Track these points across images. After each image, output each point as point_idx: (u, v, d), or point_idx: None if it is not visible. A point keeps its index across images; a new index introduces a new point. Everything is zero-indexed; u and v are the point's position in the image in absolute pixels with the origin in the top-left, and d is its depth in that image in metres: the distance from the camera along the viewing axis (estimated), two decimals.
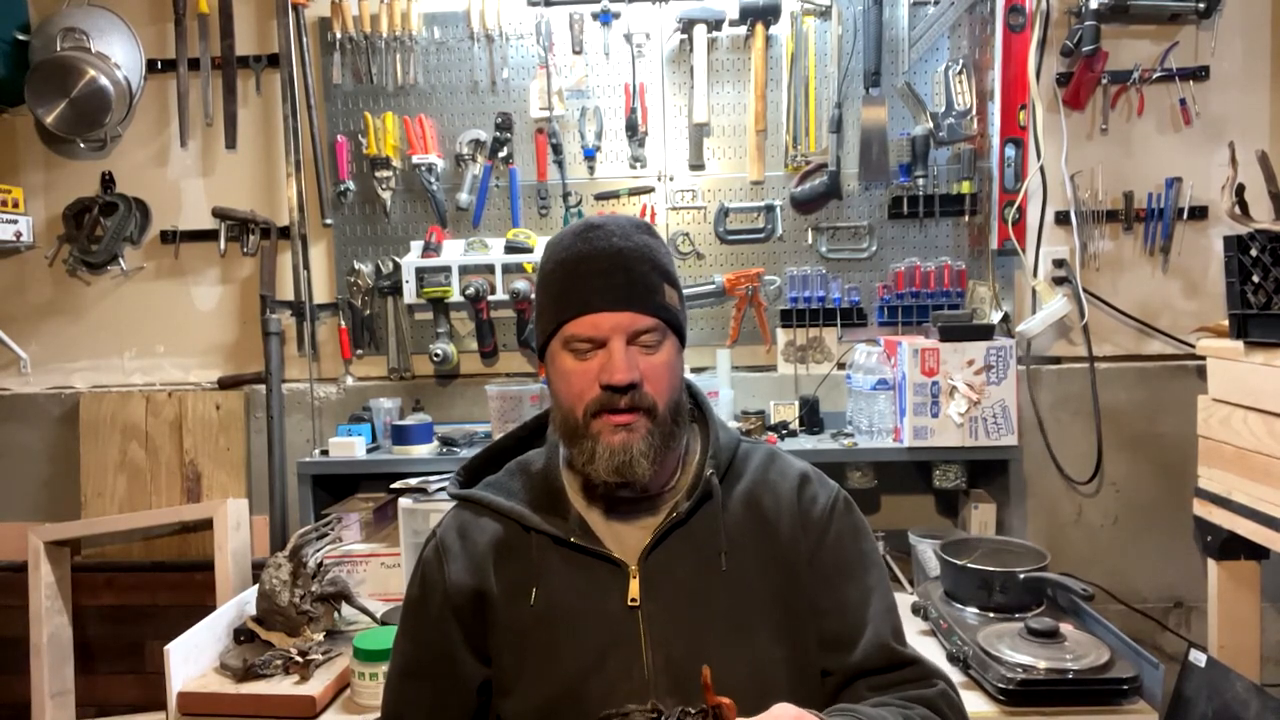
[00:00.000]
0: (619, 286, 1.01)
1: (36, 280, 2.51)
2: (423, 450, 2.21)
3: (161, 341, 2.51)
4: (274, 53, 2.39)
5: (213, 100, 2.43)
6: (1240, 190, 1.62)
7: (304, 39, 2.36)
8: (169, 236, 2.47)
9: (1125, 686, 1.51)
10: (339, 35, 2.35)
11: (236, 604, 1.94)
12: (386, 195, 2.39)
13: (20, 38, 2.37)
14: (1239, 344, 1.65)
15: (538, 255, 2.26)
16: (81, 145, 2.44)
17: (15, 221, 2.40)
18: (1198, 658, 1.68)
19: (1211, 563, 1.78)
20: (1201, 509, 1.78)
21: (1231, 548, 1.74)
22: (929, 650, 1.71)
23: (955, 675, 1.60)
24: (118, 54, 2.38)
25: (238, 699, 1.68)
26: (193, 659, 1.76)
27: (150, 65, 2.43)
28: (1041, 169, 2.24)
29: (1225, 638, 1.77)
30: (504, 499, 1.10)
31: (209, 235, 2.45)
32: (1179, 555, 2.27)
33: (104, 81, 2.32)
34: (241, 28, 2.42)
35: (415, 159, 2.34)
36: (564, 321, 1.02)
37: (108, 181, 2.46)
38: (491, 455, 1.21)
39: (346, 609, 1.95)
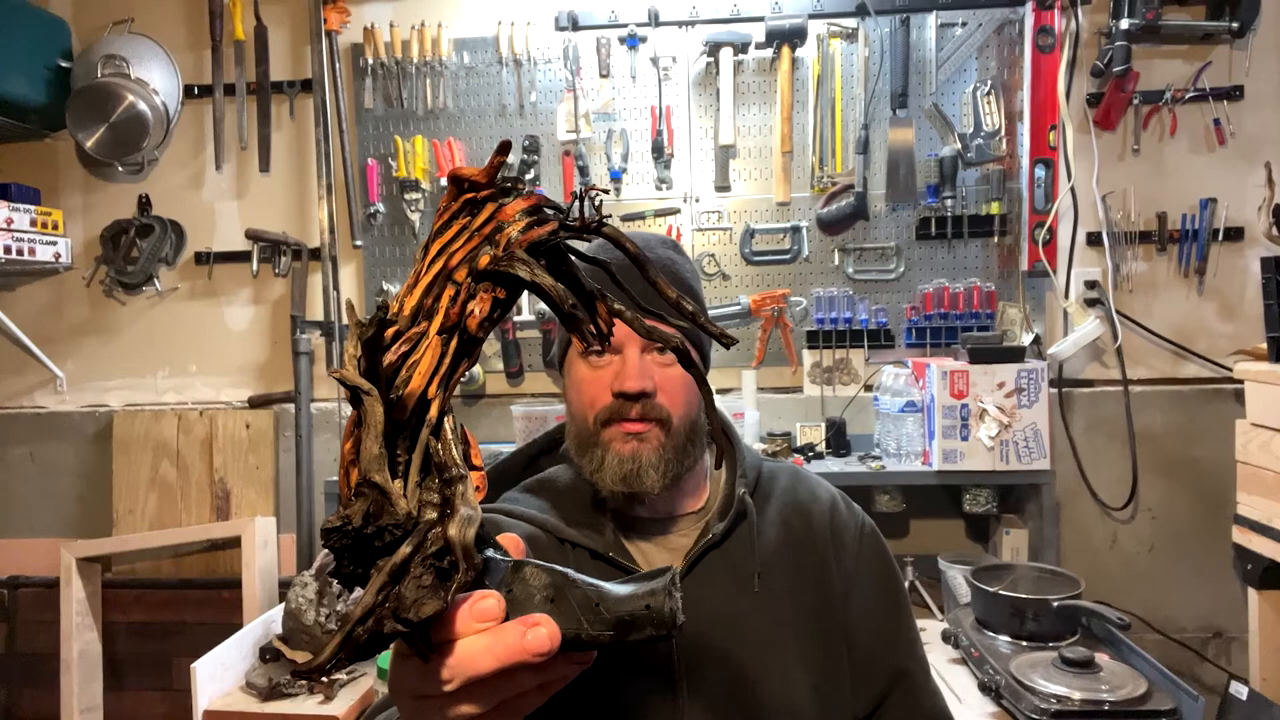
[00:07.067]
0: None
1: (74, 300, 2.56)
2: None
3: (194, 361, 2.55)
4: (307, 78, 2.44)
5: (247, 125, 2.48)
6: (1277, 210, 1.59)
7: (337, 64, 2.40)
8: (203, 258, 2.51)
9: (1164, 719, 1.47)
10: (371, 61, 2.40)
11: (263, 622, 1.95)
12: (415, 217, 2.42)
13: (63, 64, 2.44)
14: (1278, 367, 1.62)
15: None
16: (120, 169, 2.49)
17: (55, 243, 2.46)
18: (1239, 690, 1.63)
19: (1252, 592, 1.74)
20: (1241, 536, 1.74)
21: (1273, 576, 1.69)
22: (960, 679, 1.68)
23: (987, 705, 1.58)
24: (156, 80, 2.44)
25: (263, 718, 1.69)
26: (219, 677, 1.77)
27: (187, 91, 2.49)
28: (1072, 189, 2.22)
29: (1268, 670, 1.73)
30: (535, 512, 1.08)
31: (242, 256, 2.49)
32: (1218, 584, 2.21)
33: (142, 107, 2.37)
34: (276, 54, 2.47)
35: (444, 181, 2.37)
36: None
37: (144, 204, 2.51)
38: (500, 473, 1.17)
39: None
